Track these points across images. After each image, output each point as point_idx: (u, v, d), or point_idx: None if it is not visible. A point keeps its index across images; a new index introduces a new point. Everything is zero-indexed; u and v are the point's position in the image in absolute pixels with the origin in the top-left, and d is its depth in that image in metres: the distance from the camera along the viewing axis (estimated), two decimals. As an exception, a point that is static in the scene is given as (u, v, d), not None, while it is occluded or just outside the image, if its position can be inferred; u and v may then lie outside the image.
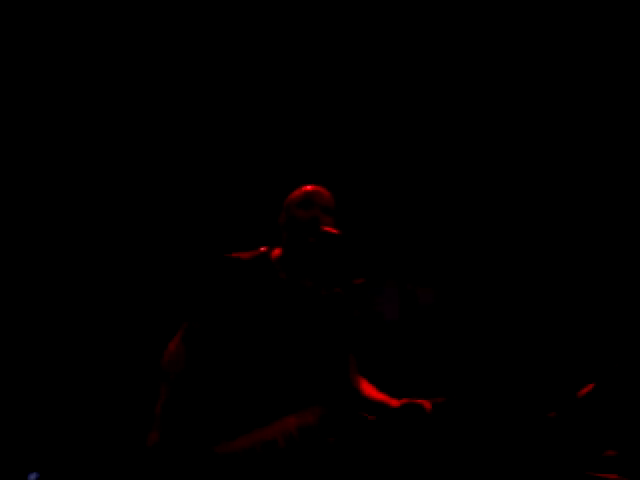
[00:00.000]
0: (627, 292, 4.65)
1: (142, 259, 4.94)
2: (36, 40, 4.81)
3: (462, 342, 4.67)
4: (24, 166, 4.86)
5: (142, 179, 5.03)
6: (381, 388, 3.01)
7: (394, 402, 2.85)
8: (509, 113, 5.01)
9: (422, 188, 5.06)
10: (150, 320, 4.76)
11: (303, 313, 2.90)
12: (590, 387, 2.89)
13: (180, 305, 3.04)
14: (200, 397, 2.81)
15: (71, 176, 4.94)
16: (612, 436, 2.85)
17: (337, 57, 5.07)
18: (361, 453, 2.75)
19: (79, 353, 4.76)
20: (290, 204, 2.99)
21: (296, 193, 3.02)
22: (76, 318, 4.81)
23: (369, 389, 2.99)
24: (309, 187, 3.01)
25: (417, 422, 2.73)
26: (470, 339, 4.70)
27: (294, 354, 2.83)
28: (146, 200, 5.03)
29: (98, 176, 4.97)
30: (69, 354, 4.75)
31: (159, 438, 2.74)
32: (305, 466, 2.70)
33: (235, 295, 2.85)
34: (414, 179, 5.08)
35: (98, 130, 4.98)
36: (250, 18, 4.98)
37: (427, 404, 2.78)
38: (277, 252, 2.99)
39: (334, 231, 2.88)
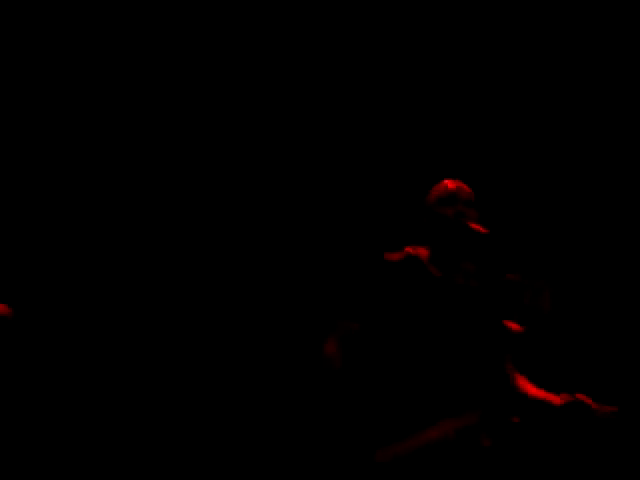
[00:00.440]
0: None
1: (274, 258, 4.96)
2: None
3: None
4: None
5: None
6: (539, 383, 2.95)
7: (555, 399, 2.78)
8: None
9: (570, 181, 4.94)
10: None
11: (460, 311, 2.86)
12: None
13: (332, 306, 3.04)
14: (359, 401, 2.81)
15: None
16: None
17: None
18: (522, 456, 2.69)
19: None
20: (432, 201, 2.96)
21: (437, 190, 2.98)
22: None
23: (528, 387, 2.92)
24: (450, 183, 2.97)
25: (582, 421, 2.66)
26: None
27: (452, 355, 2.80)
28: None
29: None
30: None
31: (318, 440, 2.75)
32: (465, 471, 2.67)
33: (393, 296, 2.84)
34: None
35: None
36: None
37: (590, 401, 2.71)
38: (424, 251, 2.96)
39: (482, 230, 2.83)
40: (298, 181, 5.02)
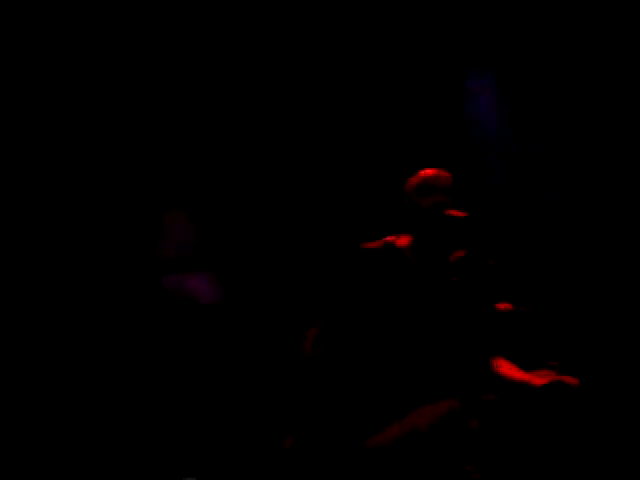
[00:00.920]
0: None
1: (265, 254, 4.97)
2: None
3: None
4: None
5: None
6: (524, 365, 2.96)
7: (537, 380, 2.80)
8: None
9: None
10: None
11: (439, 299, 2.88)
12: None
13: (315, 298, 3.05)
14: (339, 391, 2.82)
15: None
16: None
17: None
18: (506, 437, 2.71)
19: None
20: (410, 191, 2.97)
21: (415, 179, 2.99)
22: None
23: (509, 369, 2.94)
24: (429, 171, 2.98)
25: (564, 402, 2.68)
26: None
27: (432, 341, 2.82)
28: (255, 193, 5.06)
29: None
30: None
31: (296, 438, 2.76)
32: (451, 453, 2.68)
33: (371, 286, 2.86)
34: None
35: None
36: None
37: (573, 380, 2.72)
38: (404, 240, 2.97)
39: (460, 214, 2.85)
40: (276, 174, 5.03)
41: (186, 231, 5.00)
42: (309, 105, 5.14)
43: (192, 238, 5.01)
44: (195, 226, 5.00)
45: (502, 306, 3.32)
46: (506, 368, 2.93)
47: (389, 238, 3.01)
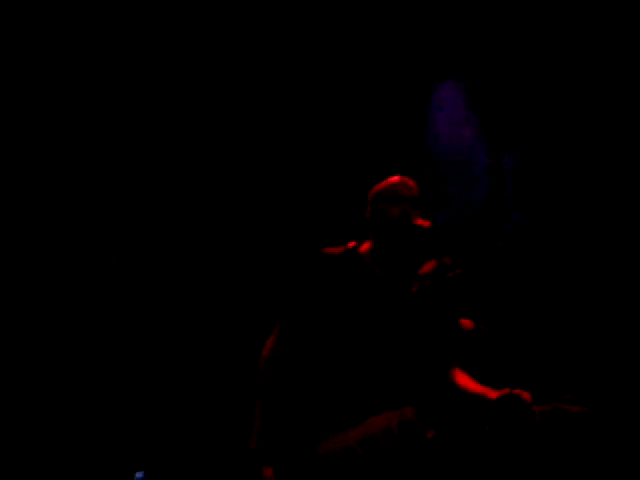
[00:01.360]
0: None
1: (231, 258, 4.97)
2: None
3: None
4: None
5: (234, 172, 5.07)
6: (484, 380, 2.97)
7: (492, 394, 2.80)
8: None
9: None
10: (243, 320, 4.79)
11: (398, 308, 2.88)
12: None
13: (275, 304, 3.04)
14: (298, 396, 2.81)
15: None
16: None
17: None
18: (461, 448, 2.72)
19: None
20: (377, 198, 2.95)
21: (382, 186, 2.97)
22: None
23: (466, 381, 2.94)
24: (395, 179, 2.97)
25: (518, 415, 2.69)
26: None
27: (390, 350, 2.81)
28: (232, 197, 5.06)
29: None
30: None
31: (259, 440, 2.75)
32: (406, 462, 2.68)
33: (330, 291, 2.84)
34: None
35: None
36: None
37: (526, 395, 2.73)
38: (366, 247, 2.97)
39: (425, 224, 2.84)
40: (244, 177, 5.03)
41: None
42: (274, 112, 5.14)
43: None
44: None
45: (464, 322, 3.33)
46: (463, 379, 2.93)
47: (351, 244, 3.00)
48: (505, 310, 4.70)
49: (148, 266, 4.90)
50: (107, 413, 4.57)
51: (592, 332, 4.65)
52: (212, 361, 4.86)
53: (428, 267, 3.00)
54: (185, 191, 5.08)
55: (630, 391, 4.03)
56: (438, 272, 3.03)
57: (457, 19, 5.10)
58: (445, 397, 2.90)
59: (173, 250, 4.99)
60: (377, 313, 2.84)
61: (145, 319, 4.81)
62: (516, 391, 2.75)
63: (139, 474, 4.31)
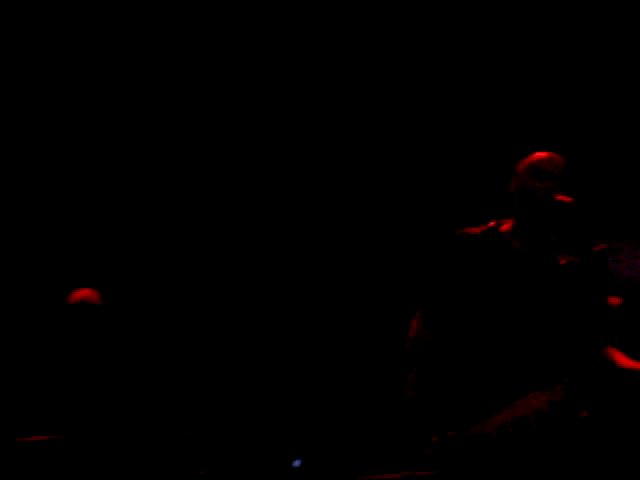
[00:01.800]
0: None
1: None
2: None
3: None
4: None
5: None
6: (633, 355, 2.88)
7: (647, 369, 2.72)
8: None
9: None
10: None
11: (545, 285, 2.82)
12: None
13: (417, 285, 3.03)
14: (447, 378, 2.80)
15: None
16: None
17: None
18: (618, 427, 2.65)
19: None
20: (522, 173, 2.89)
21: (528, 161, 2.91)
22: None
23: (620, 358, 2.86)
24: (542, 154, 2.91)
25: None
26: None
27: (540, 329, 2.76)
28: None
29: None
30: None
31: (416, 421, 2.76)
32: (559, 442, 2.64)
33: (474, 271, 2.82)
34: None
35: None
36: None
37: None
38: (508, 224, 2.93)
39: (568, 199, 2.78)
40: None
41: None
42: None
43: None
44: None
45: (612, 299, 3.24)
46: (617, 356, 2.86)
47: (491, 223, 2.97)
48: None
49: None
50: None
51: None
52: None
53: (572, 243, 2.93)
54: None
55: None
56: (583, 247, 2.96)
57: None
58: (598, 374, 2.83)
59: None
60: (524, 291, 2.80)
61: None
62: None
63: (297, 461, 4.37)
